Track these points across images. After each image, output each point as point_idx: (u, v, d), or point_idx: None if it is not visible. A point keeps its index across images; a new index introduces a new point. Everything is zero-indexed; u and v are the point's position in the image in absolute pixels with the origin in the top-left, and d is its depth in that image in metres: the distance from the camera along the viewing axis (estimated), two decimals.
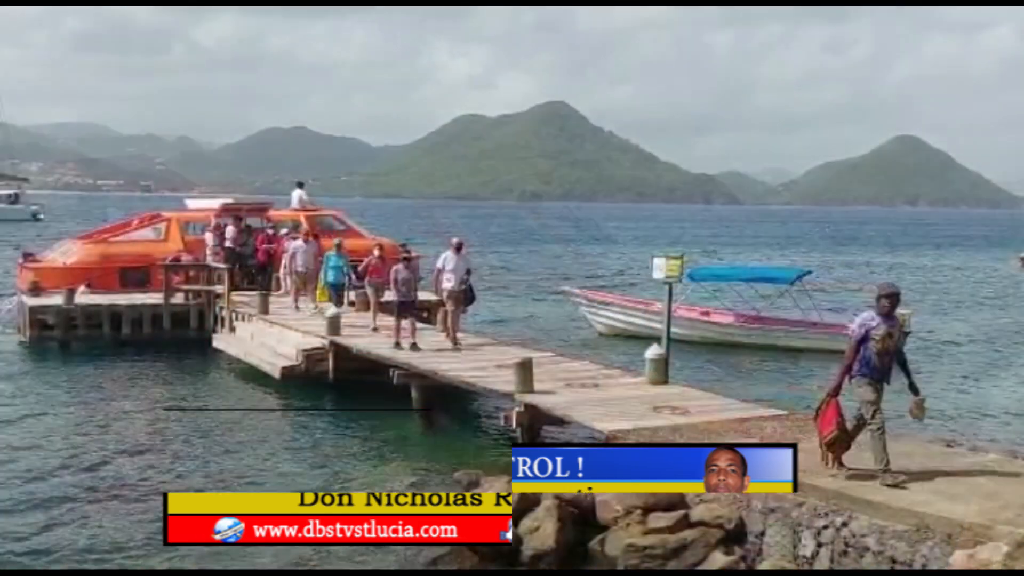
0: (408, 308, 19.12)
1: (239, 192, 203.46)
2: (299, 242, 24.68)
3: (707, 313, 28.37)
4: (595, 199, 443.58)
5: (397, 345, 18.70)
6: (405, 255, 19.95)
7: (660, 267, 17.67)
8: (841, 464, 10.33)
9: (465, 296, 19.36)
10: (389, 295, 20.84)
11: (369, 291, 21.87)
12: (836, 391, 10.47)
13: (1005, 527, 8.54)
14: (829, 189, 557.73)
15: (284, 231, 28.06)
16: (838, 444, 10.32)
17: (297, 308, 23.97)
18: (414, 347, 18.58)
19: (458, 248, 19.28)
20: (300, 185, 32.55)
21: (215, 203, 30.89)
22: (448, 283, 19.04)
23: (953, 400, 20.89)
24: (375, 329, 20.82)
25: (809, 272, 30.81)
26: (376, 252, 22.01)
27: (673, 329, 26.00)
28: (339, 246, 23.59)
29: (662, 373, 15.98)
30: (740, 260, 66.83)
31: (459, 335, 19.64)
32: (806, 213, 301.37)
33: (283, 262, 27.08)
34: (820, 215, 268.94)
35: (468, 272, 19.44)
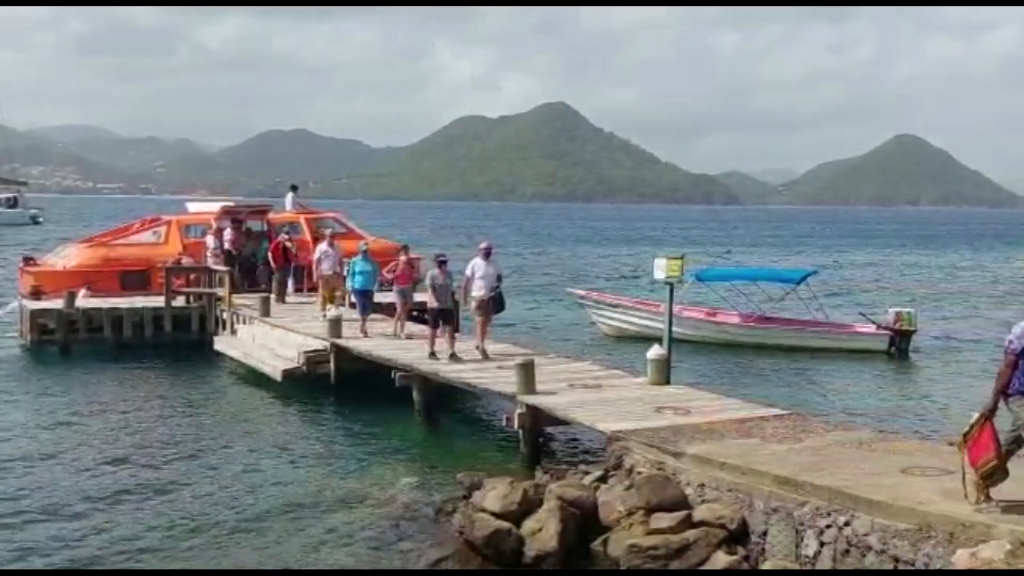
0: (447, 316, 18.32)
1: (239, 195, 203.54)
2: (324, 246, 23.86)
3: (713, 313, 28.44)
4: (596, 199, 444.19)
5: (432, 355, 17.81)
6: (441, 259, 18.68)
7: (661, 267, 17.64)
8: (988, 496, 9.01)
9: (494, 304, 18.38)
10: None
11: (397, 298, 20.89)
12: (992, 412, 9.08)
13: (1007, 526, 8.53)
14: (830, 189, 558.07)
15: (284, 233, 28.06)
16: (996, 475, 8.94)
17: (324, 315, 22.21)
18: (453, 357, 17.63)
19: (487, 253, 18.29)
20: (294, 188, 32.67)
21: (215, 206, 30.90)
22: (478, 290, 18.03)
23: (957, 399, 20.87)
24: (407, 337, 20.17)
25: (815, 272, 31.02)
26: (403, 257, 21.04)
27: (679, 330, 26.11)
28: (366, 251, 22.21)
29: (664, 374, 15.98)
30: (756, 261, 66.92)
31: (477, 342, 18.49)
32: (811, 213, 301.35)
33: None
34: (827, 215, 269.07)
35: (499, 278, 18.48)
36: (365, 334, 20.57)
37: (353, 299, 22.36)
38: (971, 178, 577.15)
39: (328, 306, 23.48)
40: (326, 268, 23.45)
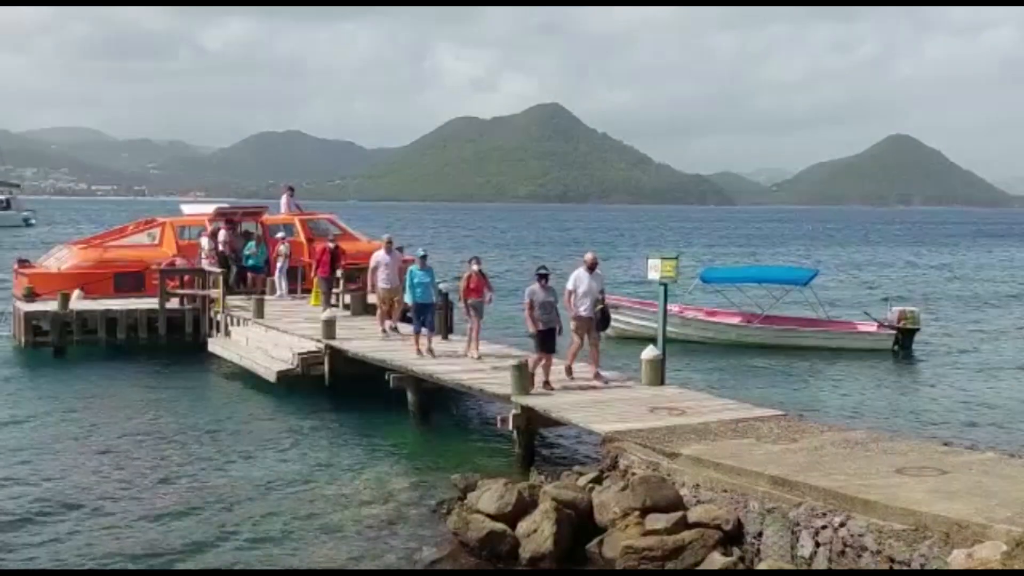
0: (551, 338, 15.76)
1: (233, 196, 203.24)
2: (381, 253, 21.06)
3: (713, 313, 28.45)
4: (589, 200, 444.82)
5: (547, 384, 15.35)
6: (542, 273, 16.06)
7: (655, 268, 17.58)
8: None
9: (601, 320, 16.29)
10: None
11: (468, 313, 18.48)
12: None
13: (1003, 526, 8.53)
14: (823, 189, 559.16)
15: (279, 235, 28.03)
16: None
17: (384, 332, 20.74)
18: (547, 385, 15.37)
19: (593, 266, 16.13)
20: (291, 190, 32.57)
21: (210, 208, 30.85)
22: (581, 307, 15.90)
23: (959, 398, 20.96)
24: (478, 357, 18.02)
25: (818, 272, 31.29)
26: (475, 266, 18.47)
27: (682, 330, 26.16)
28: (424, 258, 19.45)
29: (658, 374, 15.98)
30: (753, 260, 67.09)
31: (599, 370, 16.40)
32: (806, 212, 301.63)
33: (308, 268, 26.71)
34: (822, 214, 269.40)
35: (602, 292, 16.34)
36: (431, 352, 18.36)
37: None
38: (964, 178, 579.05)
39: (316, 306, 23.16)
40: (382, 279, 20.69)
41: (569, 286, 16.06)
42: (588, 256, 16.47)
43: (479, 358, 17.98)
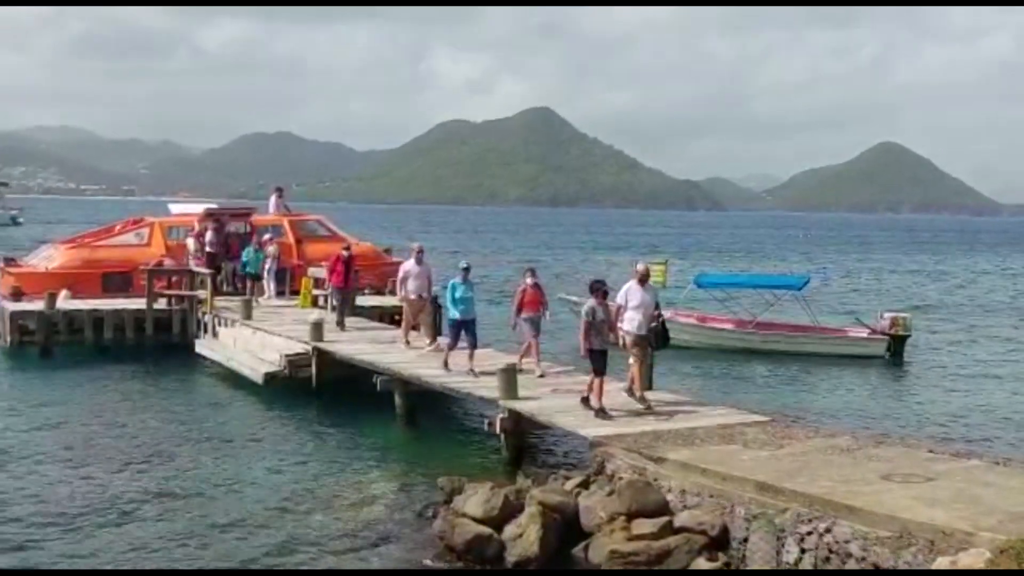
0: (604, 360, 14.44)
1: (222, 197, 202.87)
2: (410, 263, 20.05)
3: (705, 319, 28.47)
4: (579, 205, 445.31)
5: (601, 411, 14.06)
6: (601, 289, 14.47)
7: None
8: None
9: (656, 337, 15.10)
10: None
11: (524, 328, 17.56)
12: None
13: (987, 533, 8.56)
14: (813, 195, 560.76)
15: (267, 235, 27.95)
16: None
17: (408, 343, 19.75)
18: (602, 412, 14.08)
19: (644, 278, 14.77)
20: (279, 191, 32.48)
21: (199, 208, 30.77)
22: (632, 324, 14.60)
23: (949, 404, 21.04)
24: (541, 375, 16.98)
25: (811, 279, 31.49)
26: (529, 279, 17.59)
27: (673, 334, 26.12)
28: (467, 271, 17.84)
29: (646, 379, 15.96)
30: (742, 266, 67.20)
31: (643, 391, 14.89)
32: (797, 218, 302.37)
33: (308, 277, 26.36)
34: (815, 221, 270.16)
35: (657, 307, 15.01)
36: (472, 371, 16.83)
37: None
38: (952, 186, 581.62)
39: (306, 308, 22.89)
40: (412, 289, 19.64)
41: (619, 300, 14.71)
42: (640, 267, 15.10)
43: (542, 375, 16.91)
